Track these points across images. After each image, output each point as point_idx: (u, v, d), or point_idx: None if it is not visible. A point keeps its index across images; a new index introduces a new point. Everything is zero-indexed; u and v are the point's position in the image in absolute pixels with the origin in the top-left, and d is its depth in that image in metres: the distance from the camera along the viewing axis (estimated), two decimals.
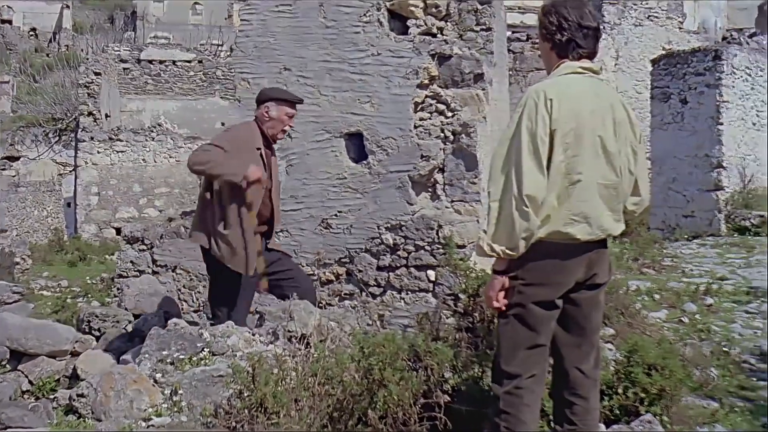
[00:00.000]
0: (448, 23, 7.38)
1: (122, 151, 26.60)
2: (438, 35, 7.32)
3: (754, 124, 17.86)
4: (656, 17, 23.56)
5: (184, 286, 7.63)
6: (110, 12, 68.08)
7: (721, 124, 16.97)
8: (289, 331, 5.07)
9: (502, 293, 4.19)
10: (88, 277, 18.48)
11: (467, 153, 7.14)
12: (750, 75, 17.68)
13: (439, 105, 7.19)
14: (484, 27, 7.38)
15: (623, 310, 8.55)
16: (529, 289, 4.13)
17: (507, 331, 4.20)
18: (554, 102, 4.00)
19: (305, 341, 4.90)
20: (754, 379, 7.56)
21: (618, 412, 5.40)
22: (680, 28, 24.00)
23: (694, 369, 7.24)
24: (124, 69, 33.12)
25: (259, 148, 6.42)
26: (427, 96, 7.21)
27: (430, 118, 7.20)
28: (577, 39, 4.19)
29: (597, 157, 4.10)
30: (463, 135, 7.15)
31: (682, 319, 9.78)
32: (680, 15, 24.26)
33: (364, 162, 7.24)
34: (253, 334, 5.29)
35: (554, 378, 4.45)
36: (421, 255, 7.06)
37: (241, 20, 7.53)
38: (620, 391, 5.35)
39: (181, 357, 4.91)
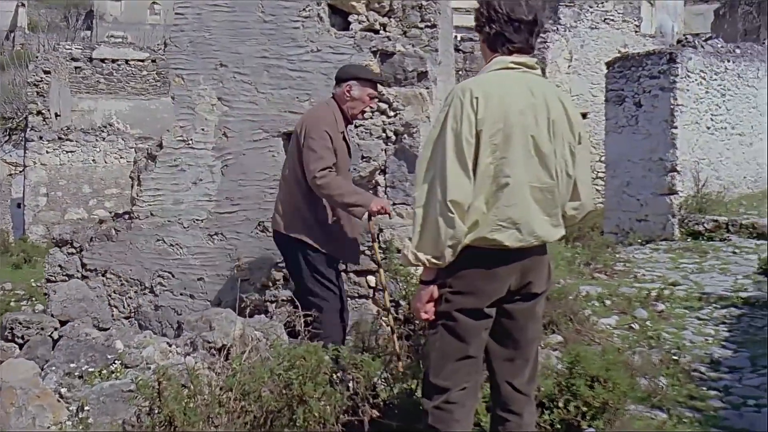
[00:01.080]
0: (391, 19, 7.13)
1: (72, 151, 26.04)
2: (381, 32, 7.07)
3: (708, 127, 17.76)
4: (612, 20, 23.43)
5: (114, 291, 7.31)
6: (66, 11, 67.24)
7: (676, 127, 16.79)
8: (208, 342, 4.75)
9: (431, 303, 3.93)
10: (32, 280, 18.05)
11: (410, 154, 6.92)
12: (704, 78, 17.57)
13: (380, 104, 6.96)
14: (428, 24, 7.13)
15: (572, 317, 8.37)
16: (457, 297, 3.89)
17: (436, 341, 3.95)
18: (480, 100, 3.75)
19: (225, 353, 4.59)
20: (704, 388, 7.40)
21: (559, 426, 5.16)
22: (636, 32, 23.89)
23: (642, 378, 7.07)
24: (76, 68, 32.57)
25: (342, 132, 6.21)
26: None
27: (371, 118, 6.98)
28: (507, 32, 3.93)
29: (529, 158, 3.84)
30: (405, 135, 6.94)
31: (632, 325, 9.61)
32: (636, 18, 24.15)
33: None
34: (170, 345, 4.97)
35: (490, 393, 4.21)
36: (360, 259, 6.81)
37: (176, 14, 7.23)
38: (561, 404, 5.10)
39: (91, 370, 4.59)
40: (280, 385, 3.90)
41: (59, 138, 26.22)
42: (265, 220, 6.96)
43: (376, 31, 7.05)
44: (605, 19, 23.40)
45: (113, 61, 33.03)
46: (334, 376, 4.40)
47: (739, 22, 29.32)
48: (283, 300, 6.98)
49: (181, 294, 7.20)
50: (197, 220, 7.15)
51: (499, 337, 4.02)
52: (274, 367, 4.00)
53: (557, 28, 20.52)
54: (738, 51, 18.83)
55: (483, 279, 3.88)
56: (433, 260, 3.78)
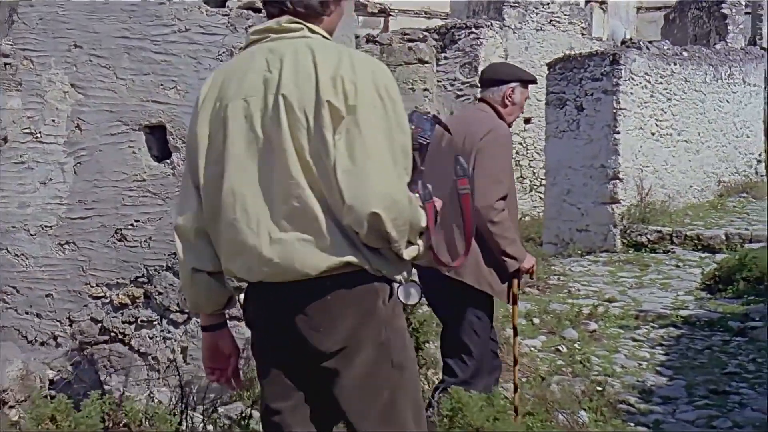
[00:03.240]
0: None
1: None
2: (261, 10, 6.10)
3: (653, 133, 16.95)
4: (558, 22, 22.69)
5: None
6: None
7: (618, 132, 16.00)
8: None
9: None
10: None
11: None
12: (649, 82, 16.78)
13: None
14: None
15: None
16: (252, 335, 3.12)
17: None
18: (200, 101, 3.05)
19: None
20: (632, 424, 6.66)
21: None
22: (583, 35, 23.20)
23: (559, 414, 6.26)
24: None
25: None
26: None
27: None
28: None
29: (250, 160, 2.91)
30: None
31: (559, 347, 8.79)
32: (583, 21, 23.46)
33: (167, 161, 6.01)
34: None
35: None
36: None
37: None
38: None
39: None
40: None
41: None
42: (123, 227, 5.99)
43: (257, 10, 6.08)
44: (551, 20, 22.66)
45: None
46: None
47: (689, 27, 28.76)
48: (143, 321, 6.02)
49: (26, 312, 6.19)
50: (46, 226, 6.14)
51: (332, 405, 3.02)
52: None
53: (491, 24, 19.65)
54: (685, 54, 18.12)
55: (254, 313, 3.06)
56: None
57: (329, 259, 2.81)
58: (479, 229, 5.01)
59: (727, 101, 18.97)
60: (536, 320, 9.88)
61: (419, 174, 3.02)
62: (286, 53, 2.90)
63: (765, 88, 21.50)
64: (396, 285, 2.96)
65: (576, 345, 8.96)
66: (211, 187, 2.95)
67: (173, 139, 5.96)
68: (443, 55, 18.40)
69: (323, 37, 3.01)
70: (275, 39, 2.98)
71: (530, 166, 21.55)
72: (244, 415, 5.10)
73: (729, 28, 26.09)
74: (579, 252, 15.78)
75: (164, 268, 5.98)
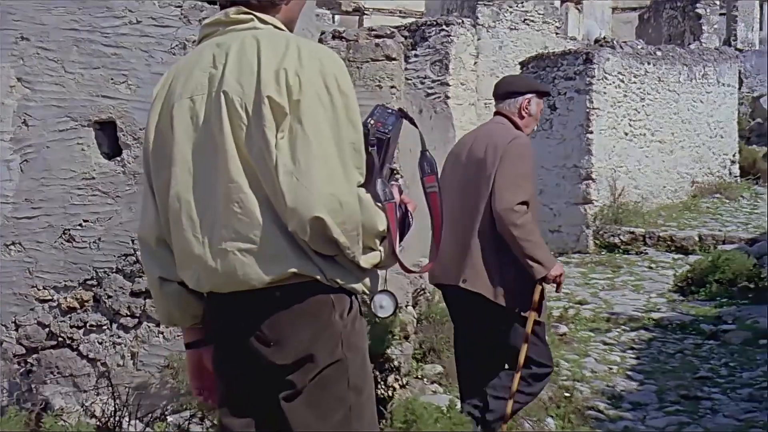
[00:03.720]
0: None
1: None
2: (215, 2, 5.87)
3: (626, 133, 16.78)
4: (532, 21, 22.51)
5: None
6: None
7: (591, 132, 15.81)
8: None
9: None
10: None
11: None
12: (623, 81, 16.61)
13: None
14: None
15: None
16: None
17: None
18: (152, 101, 2.84)
19: None
20: (600, 431, 6.44)
21: None
22: (557, 34, 23.04)
23: (525, 422, 6.10)
24: None
25: None
26: None
27: None
28: None
29: (196, 163, 2.72)
30: None
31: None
32: (557, 20, 23.31)
33: (118, 159, 5.81)
34: None
35: None
36: None
37: None
38: None
39: None
40: None
41: None
42: (71, 227, 5.76)
43: (212, 1, 5.86)
44: (525, 19, 22.49)
45: None
46: None
47: (663, 27, 28.77)
48: (92, 326, 5.79)
49: None
50: None
51: None
52: None
53: (462, 21, 19.40)
54: (659, 53, 17.97)
55: (210, 328, 2.84)
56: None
57: (274, 269, 2.59)
58: (501, 235, 4.95)
59: (701, 101, 18.83)
60: None
61: (378, 172, 2.74)
62: (232, 47, 2.69)
63: (739, 88, 21.44)
64: (358, 297, 2.72)
65: None
66: (162, 192, 2.76)
67: (124, 135, 5.76)
68: (413, 52, 18.17)
69: (275, 27, 2.77)
70: (224, 32, 2.76)
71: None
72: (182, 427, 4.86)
73: (703, 28, 26.10)
74: (551, 253, 15.52)
75: (114, 270, 5.77)
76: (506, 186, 4.97)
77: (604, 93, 16.17)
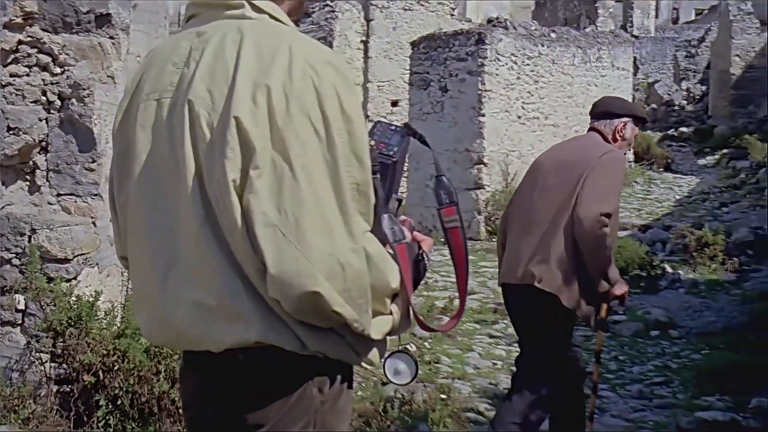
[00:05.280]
0: None
1: None
2: None
3: (519, 116, 16.39)
4: (427, 2, 22.01)
5: None
6: None
7: (483, 115, 15.37)
8: None
9: None
10: None
11: (81, 126, 5.22)
12: (516, 63, 16.20)
13: (41, 56, 5.27)
14: None
15: None
16: None
17: None
18: (122, 98, 2.30)
19: None
20: None
21: None
22: (452, 15, 22.60)
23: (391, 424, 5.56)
24: None
25: None
26: (21, 42, 5.26)
27: (27, 75, 5.30)
28: None
29: (155, 182, 2.12)
30: (74, 101, 5.17)
31: (407, 346, 8.01)
32: (452, 1, 22.86)
33: None
34: None
35: None
36: (4, 272, 5.00)
37: None
38: None
39: None
40: None
41: None
42: None
43: None
44: (420, 0, 21.95)
45: None
46: None
47: (560, 11, 28.63)
48: None
49: None
50: None
51: None
52: None
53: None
54: (553, 35, 17.63)
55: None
56: None
57: (232, 334, 2.02)
58: (577, 241, 4.85)
59: (596, 85, 18.55)
60: None
61: (384, 206, 2.15)
62: (211, 41, 2.08)
63: (634, 74, 21.30)
64: (342, 368, 2.16)
65: (426, 343, 8.22)
66: (123, 212, 2.24)
67: None
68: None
69: (273, 18, 2.15)
70: (210, 17, 2.15)
71: None
72: None
73: (599, 12, 25.94)
74: (441, 240, 15.05)
75: None
76: (594, 195, 4.87)
77: (497, 75, 15.77)
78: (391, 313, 2.12)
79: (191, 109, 2.01)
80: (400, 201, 2.34)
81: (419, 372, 2.43)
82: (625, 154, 5.35)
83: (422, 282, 2.28)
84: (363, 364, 2.16)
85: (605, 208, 4.81)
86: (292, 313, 1.99)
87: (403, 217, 2.26)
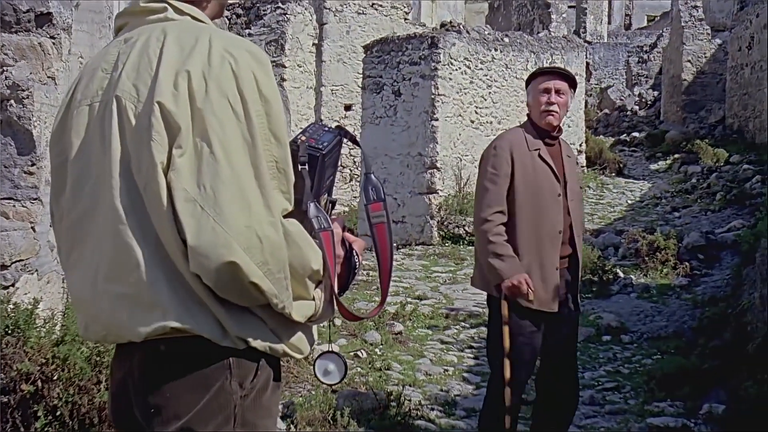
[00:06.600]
0: None
1: None
2: None
3: (472, 121, 16.34)
4: (381, 6, 21.92)
5: None
6: None
7: (437, 120, 15.23)
8: None
9: None
10: None
11: (19, 129, 5.08)
12: (469, 67, 16.14)
13: None
14: None
15: None
16: None
17: None
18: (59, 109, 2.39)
19: None
20: None
21: None
22: (406, 19, 22.55)
23: None
24: None
25: (537, 149, 5.02)
26: None
27: None
28: None
29: (87, 184, 2.20)
30: (13, 102, 5.03)
31: (358, 353, 7.94)
32: (406, 5, 22.81)
33: None
34: None
35: None
36: None
37: None
38: None
39: None
40: None
41: None
42: None
43: None
44: (373, 4, 21.87)
45: None
46: None
47: (513, 16, 28.71)
48: None
49: None
50: None
51: None
52: None
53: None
54: (506, 40, 17.63)
55: None
56: None
57: (151, 322, 2.09)
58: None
59: None
60: (338, 321, 9.01)
61: (310, 195, 2.24)
62: (137, 43, 2.21)
63: (587, 80, 21.36)
64: (267, 360, 2.21)
65: (377, 350, 8.13)
66: (57, 222, 2.34)
67: None
68: (247, 31, 17.27)
69: (195, 19, 2.27)
70: (135, 25, 2.27)
71: (350, 155, 20.70)
72: None
73: (552, 17, 26.02)
74: (395, 244, 15.00)
75: None
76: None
77: (450, 79, 15.67)
78: (314, 299, 2.18)
79: (119, 104, 2.11)
80: (333, 202, 2.42)
81: (348, 372, 2.48)
82: (545, 115, 5.04)
83: (353, 282, 2.36)
84: (290, 352, 2.18)
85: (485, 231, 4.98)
86: (212, 286, 2.04)
87: (334, 216, 2.32)
